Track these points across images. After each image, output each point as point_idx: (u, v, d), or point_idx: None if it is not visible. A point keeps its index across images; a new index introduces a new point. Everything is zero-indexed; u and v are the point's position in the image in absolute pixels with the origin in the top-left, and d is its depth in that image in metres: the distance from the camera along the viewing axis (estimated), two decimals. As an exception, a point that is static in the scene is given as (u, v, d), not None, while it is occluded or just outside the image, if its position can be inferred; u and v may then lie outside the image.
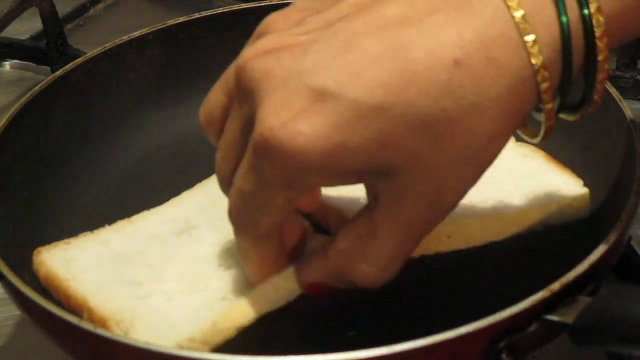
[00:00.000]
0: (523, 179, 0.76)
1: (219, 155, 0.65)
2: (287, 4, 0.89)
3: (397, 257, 0.62)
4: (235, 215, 0.63)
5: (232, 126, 0.62)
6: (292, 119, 0.55)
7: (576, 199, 0.74)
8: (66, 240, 0.73)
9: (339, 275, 0.64)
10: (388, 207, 0.60)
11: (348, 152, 0.57)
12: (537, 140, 0.63)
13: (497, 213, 0.73)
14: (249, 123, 0.59)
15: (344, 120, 0.56)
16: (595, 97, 0.61)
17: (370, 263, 0.62)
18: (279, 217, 0.62)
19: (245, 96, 0.59)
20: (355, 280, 0.63)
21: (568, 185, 0.75)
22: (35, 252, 0.72)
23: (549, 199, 0.74)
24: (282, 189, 0.59)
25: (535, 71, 0.57)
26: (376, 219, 0.61)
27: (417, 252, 0.71)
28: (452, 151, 0.57)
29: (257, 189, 0.60)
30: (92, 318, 0.66)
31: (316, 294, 0.67)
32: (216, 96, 0.65)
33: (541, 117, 0.61)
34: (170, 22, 0.89)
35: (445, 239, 0.72)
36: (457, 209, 0.72)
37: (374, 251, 0.62)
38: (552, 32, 0.57)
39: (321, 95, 0.56)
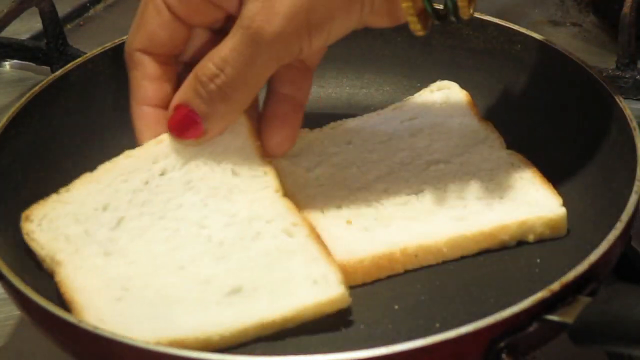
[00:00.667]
0: (503, 191, 0.75)
1: None
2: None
3: (230, 61, 0.69)
4: None
5: None
6: None
7: (552, 217, 0.73)
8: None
9: (196, 89, 0.70)
10: (239, 17, 0.68)
11: None
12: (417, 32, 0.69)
13: (466, 229, 0.72)
14: None
15: None
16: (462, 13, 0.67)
17: (212, 58, 0.69)
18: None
19: None
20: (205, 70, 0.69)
21: (546, 203, 0.74)
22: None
23: (524, 216, 0.73)
24: None
25: None
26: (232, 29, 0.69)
27: (383, 273, 0.71)
28: None
29: None
30: None
31: (175, 127, 0.72)
32: None
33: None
34: (170, 22, 0.89)
35: (412, 258, 0.72)
36: (427, 226, 0.72)
37: (216, 51, 0.69)
38: None
39: None
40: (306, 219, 0.72)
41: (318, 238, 0.71)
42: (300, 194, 0.76)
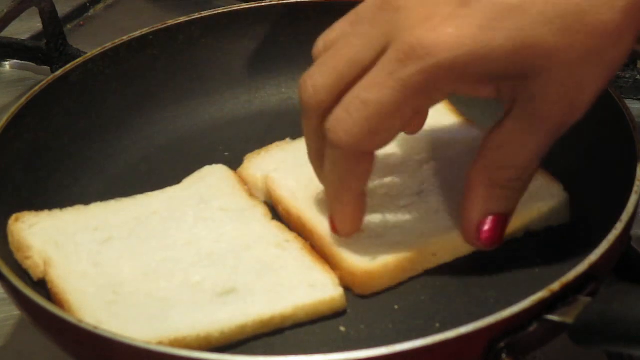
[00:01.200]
0: None
1: (323, 79, 0.66)
2: (287, 5, 0.90)
3: (534, 159, 0.66)
4: (349, 130, 0.64)
5: (356, 45, 0.65)
6: (440, 23, 0.60)
7: (557, 204, 0.74)
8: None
9: (495, 195, 0.68)
10: (526, 113, 0.64)
11: (491, 52, 0.61)
12: None
13: None
14: (380, 40, 0.63)
15: (488, 21, 0.60)
16: None
17: (513, 164, 0.66)
18: (398, 128, 0.65)
19: (385, 13, 0.63)
20: (502, 183, 0.67)
21: (549, 190, 0.75)
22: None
23: (530, 204, 0.73)
24: (418, 94, 0.62)
25: None
26: (514, 126, 0.65)
27: (405, 276, 0.71)
28: (585, 46, 0.61)
29: (391, 96, 0.62)
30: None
31: (491, 240, 0.69)
32: (341, 25, 0.68)
33: None
34: (170, 22, 0.89)
35: (430, 257, 0.72)
36: (439, 224, 0.72)
37: (513, 156, 0.66)
38: None
39: (464, 1, 0.60)
40: (298, 237, 0.73)
41: (312, 251, 0.72)
42: (302, 207, 0.75)
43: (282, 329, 0.67)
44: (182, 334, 0.64)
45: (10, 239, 0.72)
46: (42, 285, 0.70)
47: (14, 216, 0.73)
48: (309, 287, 0.68)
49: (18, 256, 0.71)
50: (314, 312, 0.68)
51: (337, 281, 0.69)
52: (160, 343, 0.63)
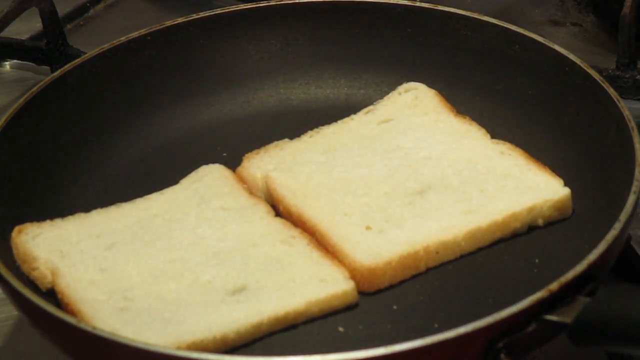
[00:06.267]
0: (503, 180, 0.76)
1: None
2: (285, 6, 0.90)
3: None
4: None
5: None
6: None
7: (559, 199, 0.74)
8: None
9: None
10: None
11: None
12: None
13: (480, 221, 0.73)
14: None
15: None
16: None
17: None
18: None
19: None
20: None
21: (549, 186, 0.75)
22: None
23: (531, 201, 0.74)
24: None
25: None
26: None
27: (408, 273, 0.71)
28: None
29: None
30: None
31: None
32: None
33: None
34: (168, 23, 0.89)
35: (434, 255, 0.72)
36: (442, 222, 0.73)
37: None
38: None
39: None
40: (304, 232, 0.73)
41: (319, 246, 0.72)
42: (303, 205, 0.75)
43: (289, 327, 0.67)
44: (199, 337, 0.64)
45: (15, 251, 0.72)
46: (51, 295, 0.70)
47: (16, 228, 0.73)
48: (320, 281, 0.69)
49: (24, 268, 0.71)
50: (326, 306, 0.68)
51: (347, 274, 0.69)
52: (178, 348, 0.63)
